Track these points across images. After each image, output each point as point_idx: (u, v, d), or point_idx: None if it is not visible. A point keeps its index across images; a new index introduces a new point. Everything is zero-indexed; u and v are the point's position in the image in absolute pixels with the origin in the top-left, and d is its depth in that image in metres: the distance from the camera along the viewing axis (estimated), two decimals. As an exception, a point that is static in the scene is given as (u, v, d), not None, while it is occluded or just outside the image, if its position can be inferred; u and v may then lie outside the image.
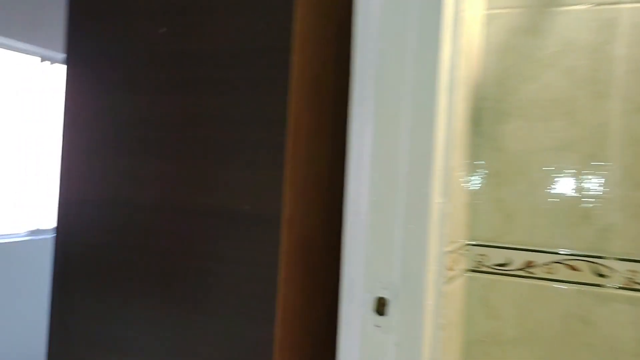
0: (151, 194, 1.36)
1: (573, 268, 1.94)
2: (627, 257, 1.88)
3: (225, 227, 1.30)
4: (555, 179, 1.97)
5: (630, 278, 1.87)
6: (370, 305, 1.24)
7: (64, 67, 1.45)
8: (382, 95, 1.26)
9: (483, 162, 2.05)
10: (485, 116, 2.03)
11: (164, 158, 1.35)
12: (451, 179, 1.40)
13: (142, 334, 1.36)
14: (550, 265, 1.96)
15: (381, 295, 1.23)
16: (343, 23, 1.41)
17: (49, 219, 3.68)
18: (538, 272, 1.97)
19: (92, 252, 1.41)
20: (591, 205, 1.92)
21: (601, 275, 1.91)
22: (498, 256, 2.03)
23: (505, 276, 2.01)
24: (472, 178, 2.06)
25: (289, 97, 1.25)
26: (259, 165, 1.28)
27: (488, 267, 2.04)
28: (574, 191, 1.95)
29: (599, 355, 1.89)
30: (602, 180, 1.92)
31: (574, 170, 1.95)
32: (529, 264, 1.99)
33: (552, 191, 1.97)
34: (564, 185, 1.96)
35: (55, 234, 1.43)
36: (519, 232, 2.00)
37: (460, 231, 1.91)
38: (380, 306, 1.23)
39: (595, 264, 1.91)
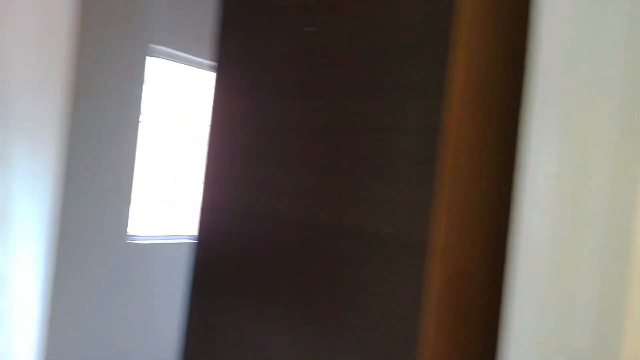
0: (287, 207, 1.25)
1: None
2: None
3: (364, 250, 1.13)
4: None
5: None
6: (543, 372, 0.95)
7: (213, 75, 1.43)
8: (573, 97, 0.97)
9: None
10: None
11: (303, 169, 1.22)
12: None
13: (270, 355, 1.25)
14: None
15: (559, 363, 0.93)
16: (520, 12, 1.15)
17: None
18: None
19: (227, 262, 1.34)
20: None
21: None
22: None
23: None
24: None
25: (449, 101, 1.04)
26: (409, 181, 1.08)
27: None
28: None
29: None
30: None
31: None
32: None
33: None
34: None
35: (195, 240, 1.40)
36: None
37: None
38: (557, 377, 0.93)
39: None
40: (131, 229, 2.56)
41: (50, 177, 2.28)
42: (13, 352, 2.46)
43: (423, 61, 1.08)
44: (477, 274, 1.15)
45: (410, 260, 1.07)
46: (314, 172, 1.21)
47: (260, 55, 1.32)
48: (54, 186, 2.27)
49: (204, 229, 1.39)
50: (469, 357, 1.15)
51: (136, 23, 2.46)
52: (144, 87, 2.54)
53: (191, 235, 3.39)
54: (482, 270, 1.16)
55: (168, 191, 3.10)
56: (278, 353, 1.23)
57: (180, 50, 2.65)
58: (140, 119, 2.53)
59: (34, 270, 2.34)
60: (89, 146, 2.34)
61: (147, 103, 2.60)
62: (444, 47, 1.05)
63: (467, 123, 1.08)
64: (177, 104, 3.01)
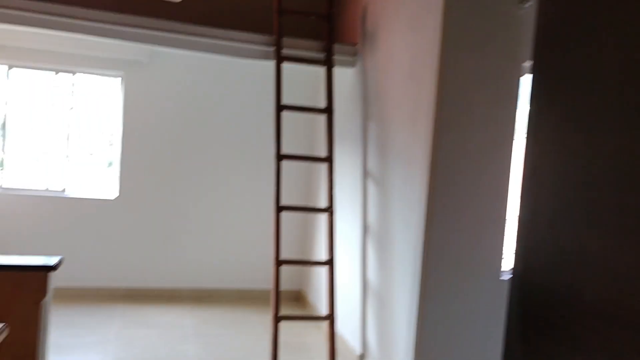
0: (606, 284, 0.82)
1: None
2: None
3: None
4: None
5: None
6: None
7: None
8: None
9: None
10: None
11: (620, 235, 0.78)
12: None
13: None
14: None
15: None
16: None
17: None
18: None
19: (547, 315, 1.01)
20: None
21: None
22: None
23: None
24: None
25: None
26: None
27: None
28: None
29: None
30: None
31: None
32: None
33: None
34: None
35: (510, 285, 1.11)
36: None
37: None
38: None
39: None
40: (505, 264, 2.33)
41: (420, 204, 2.31)
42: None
43: None
44: None
45: None
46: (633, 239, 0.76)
47: (586, 66, 0.93)
48: (423, 213, 2.29)
49: (517, 289, 1.09)
50: None
51: (508, 42, 2.23)
52: (518, 108, 2.28)
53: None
54: None
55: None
56: None
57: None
58: (513, 143, 2.29)
59: (406, 295, 2.44)
60: (457, 173, 2.26)
61: (520, 124, 2.33)
62: None
63: None
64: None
